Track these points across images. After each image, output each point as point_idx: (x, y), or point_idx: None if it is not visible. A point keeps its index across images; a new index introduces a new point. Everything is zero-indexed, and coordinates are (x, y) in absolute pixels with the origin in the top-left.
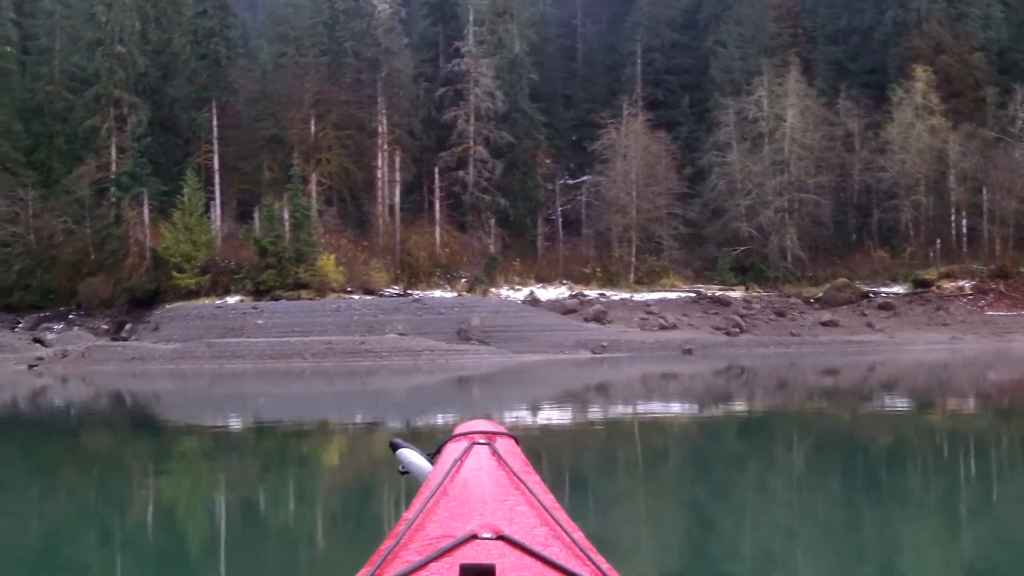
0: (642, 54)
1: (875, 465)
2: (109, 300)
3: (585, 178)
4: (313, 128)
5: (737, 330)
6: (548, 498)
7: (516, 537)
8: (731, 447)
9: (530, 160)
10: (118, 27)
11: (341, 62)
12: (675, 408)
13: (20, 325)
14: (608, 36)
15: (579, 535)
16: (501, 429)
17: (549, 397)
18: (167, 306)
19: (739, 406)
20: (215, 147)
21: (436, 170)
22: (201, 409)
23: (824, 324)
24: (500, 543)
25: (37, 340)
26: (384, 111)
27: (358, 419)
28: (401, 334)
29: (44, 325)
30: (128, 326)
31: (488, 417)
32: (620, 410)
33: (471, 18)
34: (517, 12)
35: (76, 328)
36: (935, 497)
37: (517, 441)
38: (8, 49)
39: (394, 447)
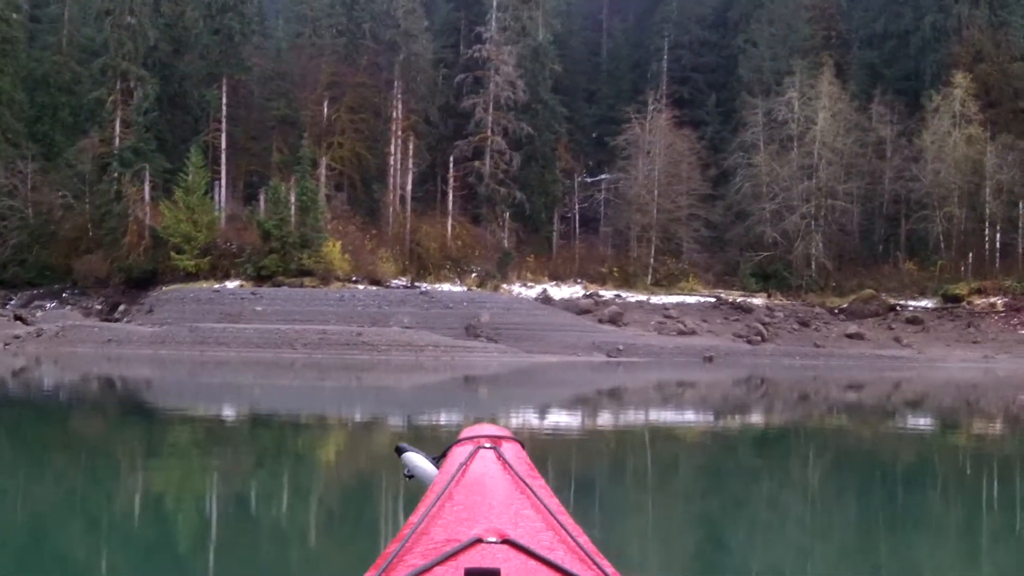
0: (669, 51)
1: (892, 486)
2: (105, 279)
3: (604, 176)
4: (326, 111)
5: (759, 339)
6: (554, 502)
7: (521, 541)
8: (743, 461)
9: (550, 153)
10: None
11: (358, 44)
12: (689, 418)
13: (12, 302)
14: (635, 32)
15: (584, 539)
16: (507, 433)
17: (560, 401)
18: (163, 288)
19: (756, 418)
20: (223, 126)
21: (451, 159)
22: (173, 399)
23: (849, 336)
24: (505, 547)
25: (18, 318)
26: (400, 96)
27: (354, 419)
28: (406, 327)
29: (36, 303)
30: (122, 307)
31: (494, 421)
32: (632, 418)
33: (495, 3)
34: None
35: (68, 307)
36: (953, 522)
37: (523, 446)
38: (15, 16)
39: (400, 451)
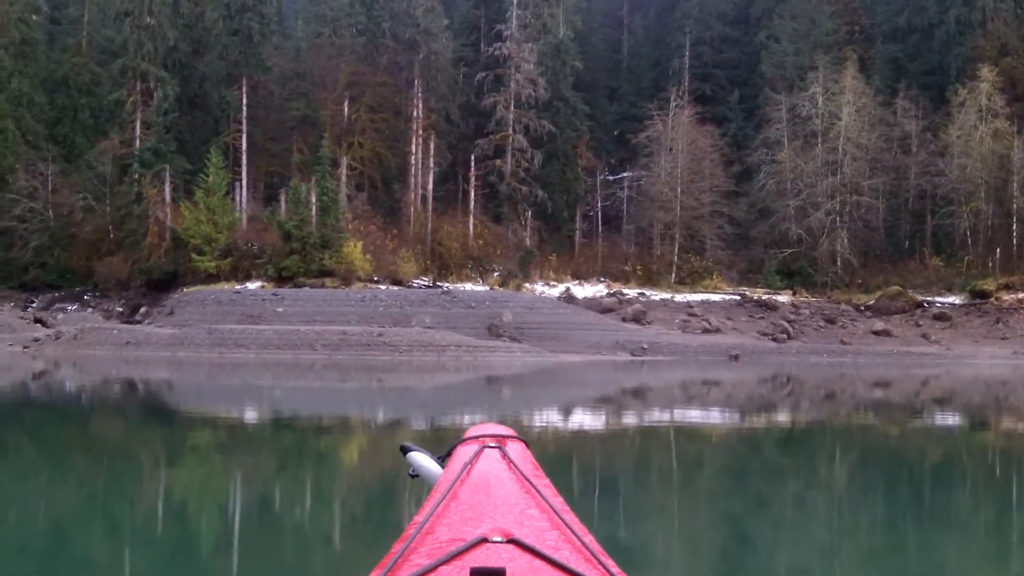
0: (690, 47)
1: (919, 485)
2: (126, 282)
3: (625, 174)
4: (346, 110)
5: (785, 336)
6: (558, 501)
7: (527, 541)
8: (767, 460)
9: (571, 151)
10: None
11: (378, 43)
12: (714, 417)
13: (34, 304)
14: (655, 28)
15: (590, 539)
16: (511, 432)
17: (583, 401)
18: (184, 290)
19: (782, 417)
20: (243, 126)
21: (472, 158)
22: (193, 402)
23: (876, 333)
24: (510, 547)
25: (38, 320)
26: (420, 95)
27: (375, 422)
28: (428, 327)
29: (58, 305)
30: (143, 309)
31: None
32: (656, 417)
33: (515, 1)
34: None
35: (89, 310)
36: (982, 520)
37: (528, 444)
38: (35, 18)
39: (404, 450)
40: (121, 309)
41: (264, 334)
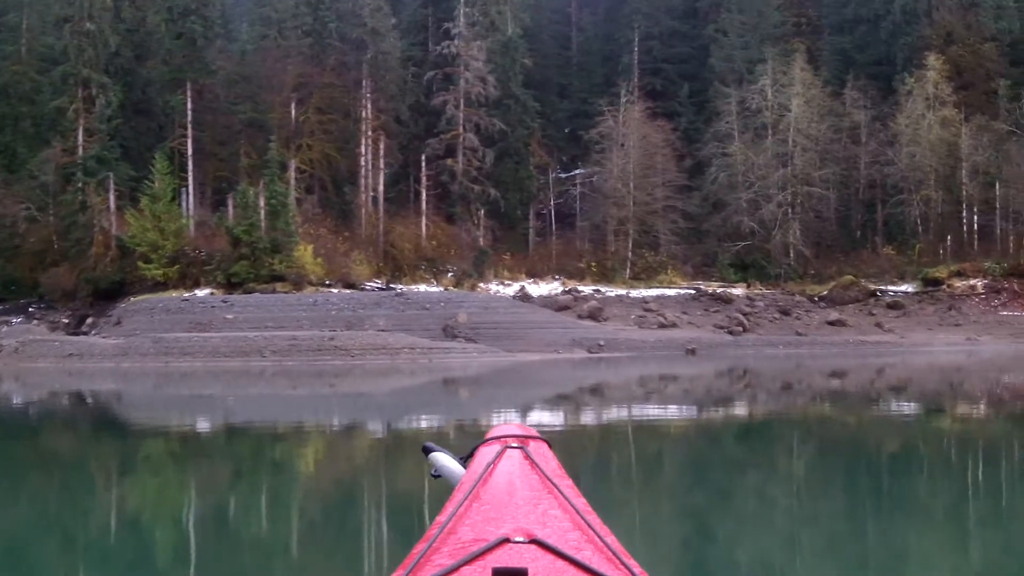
0: (640, 42)
1: (878, 473)
2: (72, 292)
3: (578, 171)
4: (294, 112)
5: (740, 329)
6: (581, 502)
7: (549, 541)
8: (728, 453)
9: (523, 149)
10: (88, 3)
11: (325, 44)
12: (672, 412)
13: None
14: (604, 24)
15: (612, 539)
16: (534, 433)
17: (543, 400)
18: (131, 299)
19: (739, 410)
20: (189, 131)
21: (423, 158)
22: (145, 414)
23: (831, 323)
24: (533, 547)
25: None
26: (369, 95)
27: (328, 431)
28: (381, 330)
29: (2, 319)
30: (90, 320)
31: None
32: (615, 414)
33: None
34: None
35: (34, 322)
36: (941, 506)
37: (550, 445)
38: None
39: (426, 451)
40: (67, 320)
41: (212, 342)
